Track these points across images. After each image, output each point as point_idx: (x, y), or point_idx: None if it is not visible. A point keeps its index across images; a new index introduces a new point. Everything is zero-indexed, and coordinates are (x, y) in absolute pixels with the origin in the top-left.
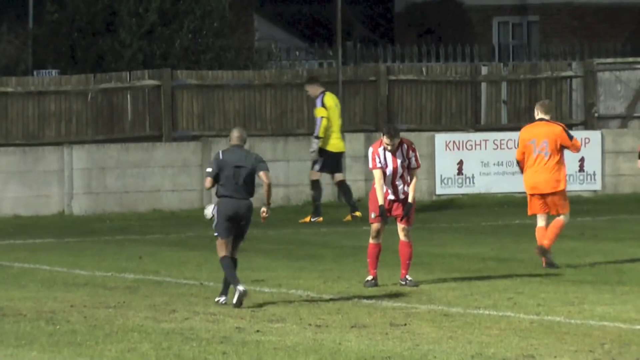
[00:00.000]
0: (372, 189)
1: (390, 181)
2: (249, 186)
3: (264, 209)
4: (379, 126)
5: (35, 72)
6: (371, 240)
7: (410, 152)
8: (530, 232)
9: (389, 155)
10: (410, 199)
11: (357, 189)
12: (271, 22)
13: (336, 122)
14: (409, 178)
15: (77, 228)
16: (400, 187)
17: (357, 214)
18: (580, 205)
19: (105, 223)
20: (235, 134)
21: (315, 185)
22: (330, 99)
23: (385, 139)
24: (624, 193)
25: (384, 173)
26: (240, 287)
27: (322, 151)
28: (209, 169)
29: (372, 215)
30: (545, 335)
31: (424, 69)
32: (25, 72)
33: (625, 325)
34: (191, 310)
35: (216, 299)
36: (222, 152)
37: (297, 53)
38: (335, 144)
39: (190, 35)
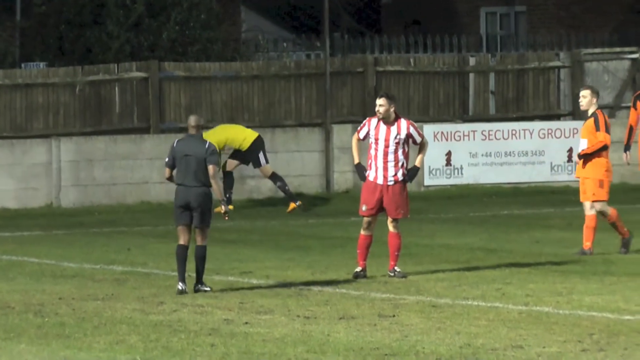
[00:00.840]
0: (365, 182)
1: (382, 156)
2: (199, 174)
3: (220, 206)
4: (366, 117)
5: (22, 65)
6: (362, 232)
7: (411, 127)
8: (517, 223)
9: (383, 127)
10: (417, 163)
11: (345, 181)
12: (258, 13)
13: None
14: (402, 159)
15: (65, 220)
16: (391, 168)
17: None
18: (568, 195)
19: (93, 215)
20: (190, 122)
21: (274, 176)
22: None
23: (378, 100)
24: (612, 183)
25: (376, 147)
26: (180, 286)
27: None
28: (167, 159)
29: (363, 208)
30: (534, 325)
31: (411, 60)
32: (12, 64)
33: (613, 315)
34: (179, 302)
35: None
36: (177, 141)
37: (285, 44)
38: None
39: (177, 27)
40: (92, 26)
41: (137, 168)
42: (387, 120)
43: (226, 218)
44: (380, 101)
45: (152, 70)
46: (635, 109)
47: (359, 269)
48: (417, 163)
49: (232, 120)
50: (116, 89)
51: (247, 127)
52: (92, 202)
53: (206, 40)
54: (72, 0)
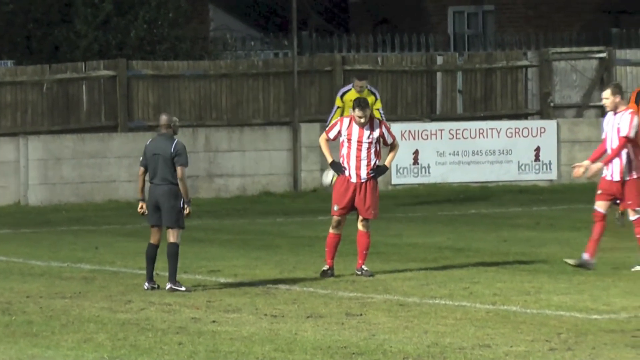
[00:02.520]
0: (336, 180)
1: (355, 156)
2: (166, 172)
3: (185, 207)
4: None
5: None
6: (331, 230)
7: (383, 127)
8: (485, 222)
9: (356, 127)
10: (387, 163)
11: (312, 179)
12: (226, 12)
13: None
14: (373, 159)
15: (33, 219)
16: (364, 167)
17: None
18: (536, 194)
19: (61, 213)
20: (160, 121)
21: None
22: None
23: (357, 112)
24: (579, 182)
25: (349, 146)
26: (146, 285)
27: None
28: (141, 158)
29: (335, 208)
30: (502, 324)
31: (379, 59)
32: None
33: (581, 314)
34: (147, 300)
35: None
36: (150, 140)
37: (253, 43)
38: None
39: (145, 25)
40: (60, 24)
41: (105, 166)
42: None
43: (186, 217)
44: (360, 113)
45: (120, 68)
46: (638, 104)
47: (326, 267)
48: (387, 163)
49: (200, 119)
50: (84, 87)
51: (215, 125)
52: (60, 201)
53: (174, 38)
54: None
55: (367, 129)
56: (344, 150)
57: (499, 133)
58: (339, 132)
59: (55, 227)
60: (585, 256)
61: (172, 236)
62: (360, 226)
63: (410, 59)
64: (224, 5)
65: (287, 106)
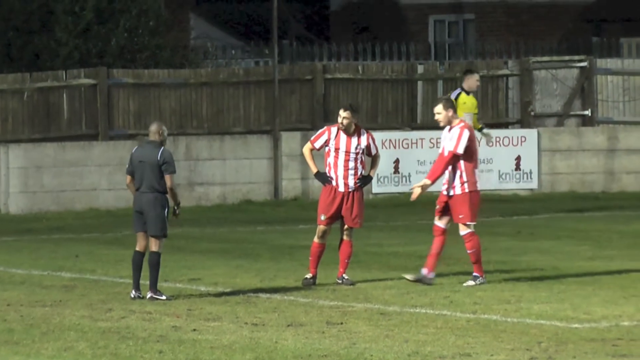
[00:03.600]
0: (322, 190)
1: (343, 166)
2: (152, 180)
3: (175, 209)
4: (315, 125)
5: None
6: (316, 240)
7: (370, 138)
8: None
9: (343, 137)
10: (371, 173)
11: (293, 188)
12: (207, 20)
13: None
14: (360, 169)
15: (13, 227)
16: (351, 177)
17: None
18: (516, 203)
19: (41, 222)
20: (150, 129)
21: None
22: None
23: (343, 113)
24: (560, 191)
25: (336, 155)
26: (132, 294)
27: None
28: (127, 165)
29: (322, 217)
30: (482, 333)
31: (360, 68)
32: None
33: (562, 323)
34: (127, 309)
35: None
36: (136, 148)
37: (233, 51)
38: None
39: (126, 33)
40: (41, 33)
41: (85, 175)
42: (348, 131)
43: (175, 218)
44: (345, 114)
45: (100, 76)
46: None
47: (309, 275)
48: (371, 173)
49: (180, 127)
50: (64, 95)
51: (195, 134)
52: (41, 209)
53: (155, 47)
54: (21, 7)
55: (354, 139)
56: (331, 160)
57: (479, 142)
58: (326, 142)
59: (36, 236)
60: (424, 271)
61: (154, 245)
62: (344, 235)
63: (391, 68)
64: (205, 13)
65: (268, 115)
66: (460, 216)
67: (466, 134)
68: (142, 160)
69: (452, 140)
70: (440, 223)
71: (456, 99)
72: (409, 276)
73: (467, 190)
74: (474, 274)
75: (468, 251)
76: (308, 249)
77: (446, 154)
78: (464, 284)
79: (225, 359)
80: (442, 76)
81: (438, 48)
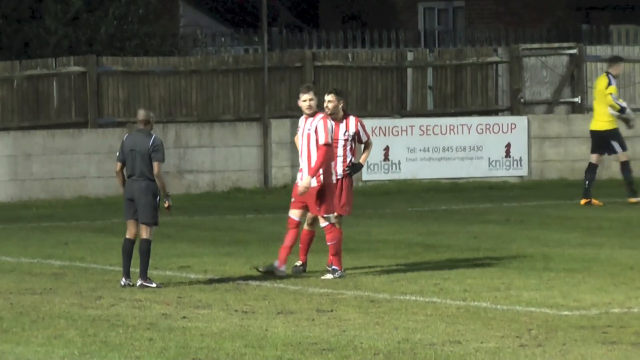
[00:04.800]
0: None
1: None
2: (143, 169)
3: (165, 201)
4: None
5: None
6: (306, 227)
7: (358, 124)
8: (455, 218)
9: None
10: (362, 160)
11: (283, 176)
12: (196, 8)
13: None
14: (349, 156)
15: (2, 215)
16: (339, 164)
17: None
18: (506, 191)
19: (31, 210)
20: (138, 117)
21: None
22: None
23: (327, 97)
24: (550, 179)
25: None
26: (122, 281)
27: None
28: (118, 153)
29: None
30: (472, 320)
31: (349, 55)
32: None
33: (551, 310)
34: (117, 296)
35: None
36: (127, 135)
37: (223, 39)
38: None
39: (115, 21)
40: (30, 21)
41: (74, 163)
42: (336, 117)
43: (167, 211)
44: (329, 97)
45: (90, 64)
46: None
47: (298, 263)
48: (362, 161)
49: (170, 115)
50: (54, 83)
51: (185, 122)
52: (30, 197)
53: (144, 35)
54: None
55: (342, 126)
56: None
57: (469, 129)
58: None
59: (25, 223)
60: (276, 263)
61: (145, 232)
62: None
63: (380, 55)
64: (194, 1)
65: (257, 102)
66: (318, 209)
67: (330, 123)
68: (133, 148)
69: (320, 131)
70: (294, 216)
71: (608, 85)
72: (261, 268)
73: (320, 183)
74: (333, 266)
75: (328, 243)
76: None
77: (319, 144)
78: (322, 277)
79: (215, 346)
80: (431, 64)
81: (427, 35)
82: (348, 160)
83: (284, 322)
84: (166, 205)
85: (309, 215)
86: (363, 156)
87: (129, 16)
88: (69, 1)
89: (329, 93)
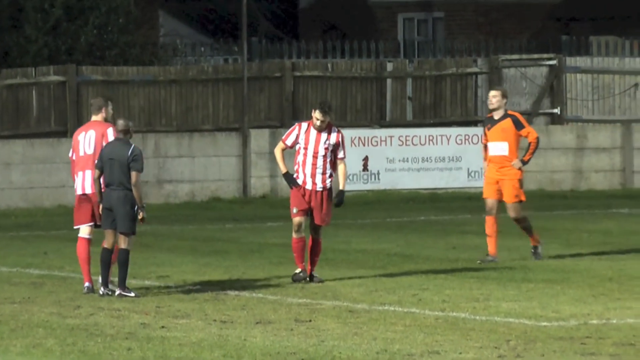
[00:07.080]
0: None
1: (311, 163)
2: (121, 178)
3: (139, 212)
4: (284, 122)
5: None
6: (294, 235)
7: (340, 137)
8: (434, 229)
9: (313, 133)
10: (341, 187)
11: (262, 186)
12: (176, 18)
13: None
14: (328, 169)
15: None
16: (319, 175)
17: None
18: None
19: (10, 219)
20: (117, 126)
21: None
22: None
23: (317, 114)
24: (529, 190)
25: (305, 154)
26: (101, 290)
27: None
28: (97, 161)
29: (294, 210)
30: (450, 331)
31: (329, 65)
32: None
33: (530, 321)
34: (96, 306)
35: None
36: (106, 144)
37: (202, 49)
38: None
39: (95, 30)
40: (10, 30)
41: (54, 172)
42: (320, 128)
43: (141, 223)
44: (320, 116)
45: (69, 74)
46: None
47: (298, 270)
48: (342, 187)
49: (149, 124)
50: (34, 92)
51: (164, 131)
52: (9, 206)
53: (124, 44)
54: None
55: (324, 135)
56: (300, 158)
57: (448, 140)
58: (297, 138)
59: (4, 232)
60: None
61: (123, 242)
62: (312, 233)
63: (360, 66)
64: (174, 11)
65: (237, 112)
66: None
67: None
68: (111, 157)
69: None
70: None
71: None
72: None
73: None
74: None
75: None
76: (277, 246)
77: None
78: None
79: (193, 356)
80: (411, 74)
81: (407, 46)
82: (328, 173)
83: (262, 332)
84: (140, 216)
85: (296, 220)
86: (342, 182)
87: (109, 25)
88: (49, 10)
89: (321, 111)
